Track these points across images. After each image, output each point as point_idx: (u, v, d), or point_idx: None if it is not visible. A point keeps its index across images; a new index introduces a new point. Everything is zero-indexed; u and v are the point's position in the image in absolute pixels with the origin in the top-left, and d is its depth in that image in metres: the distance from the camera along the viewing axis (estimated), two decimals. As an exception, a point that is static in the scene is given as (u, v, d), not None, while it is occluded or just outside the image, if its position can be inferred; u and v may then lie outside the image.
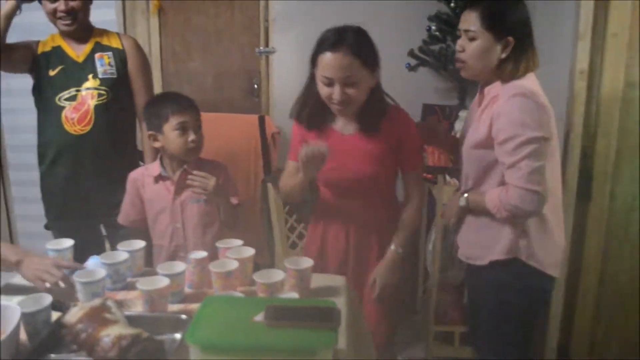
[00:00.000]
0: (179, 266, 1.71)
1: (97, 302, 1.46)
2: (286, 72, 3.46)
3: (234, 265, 1.70)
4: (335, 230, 2.11)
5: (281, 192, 2.14)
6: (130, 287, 1.75)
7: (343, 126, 2.03)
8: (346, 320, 1.51)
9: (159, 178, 2.11)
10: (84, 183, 2.41)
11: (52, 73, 2.33)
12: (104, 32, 2.42)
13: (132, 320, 1.45)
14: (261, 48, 3.45)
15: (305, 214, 3.02)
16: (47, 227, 2.56)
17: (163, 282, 1.59)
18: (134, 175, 2.17)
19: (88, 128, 2.34)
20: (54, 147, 2.39)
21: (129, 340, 1.28)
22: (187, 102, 2.08)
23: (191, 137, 2.03)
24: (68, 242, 1.86)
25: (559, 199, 1.86)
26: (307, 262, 1.71)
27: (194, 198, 2.09)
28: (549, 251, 1.83)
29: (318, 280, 1.77)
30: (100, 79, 2.36)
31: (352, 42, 1.84)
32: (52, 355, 1.33)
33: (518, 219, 1.76)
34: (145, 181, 2.13)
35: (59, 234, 2.35)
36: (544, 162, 1.68)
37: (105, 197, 2.39)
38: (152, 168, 2.15)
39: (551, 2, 2.62)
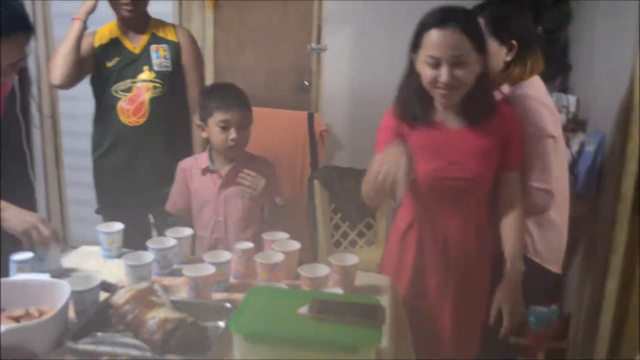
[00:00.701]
0: (225, 255, 1.72)
1: (144, 285, 1.48)
2: (337, 70, 3.46)
3: (279, 257, 1.70)
4: (432, 240, 1.87)
5: (363, 192, 1.73)
6: (177, 273, 1.77)
7: (448, 119, 1.81)
8: (390, 319, 1.50)
9: (206, 170, 2.14)
10: (137, 173, 2.46)
11: (109, 64, 2.38)
12: (160, 24, 2.46)
13: (177, 305, 1.46)
14: (313, 45, 3.45)
15: (351, 212, 3.01)
16: (97, 211, 2.62)
17: (209, 269, 1.60)
18: (183, 164, 2.20)
19: (143, 120, 2.39)
20: (109, 136, 2.45)
21: (174, 324, 1.30)
22: (234, 99, 2.06)
23: (232, 135, 2.03)
24: (118, 226, 1.90)
25: (566, 197, 1.92)
26: (353, 259, 1.70)
27: (239, 193, 2.10)
28: (552, 248, 1.89)
29: (362, 278, 1.76)
30: (156, 72, 2.40)
31: (461, 19, 1.67)
32: (99, 333, 1.35)
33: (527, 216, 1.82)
34: (194, 172, 2.16)
35: (109, 219, 2.40)
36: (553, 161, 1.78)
37: (157, 188, 2.43)
38: (201, 159, 2.17)
39: (613, 2, 2.54)
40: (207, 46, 3.59)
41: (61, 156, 3.94)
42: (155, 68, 2.39)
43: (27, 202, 3.79)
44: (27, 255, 1.65)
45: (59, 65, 2.32)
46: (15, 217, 1.63)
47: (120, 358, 1.26)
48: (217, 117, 2.03)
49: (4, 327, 1.25)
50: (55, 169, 3.93)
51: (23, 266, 1.63)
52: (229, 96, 2.07)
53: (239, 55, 3.66)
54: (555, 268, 1.90)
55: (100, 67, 2.40)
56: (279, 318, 1.27)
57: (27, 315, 1.43)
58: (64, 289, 1.42)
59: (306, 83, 3.56)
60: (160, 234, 2.09)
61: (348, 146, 3.55)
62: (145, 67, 2.39)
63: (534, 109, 1.79)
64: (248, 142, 2.11)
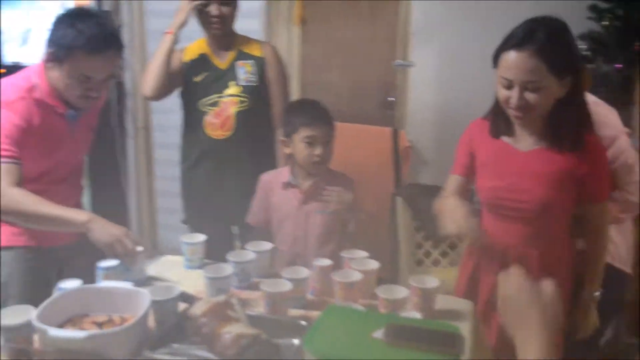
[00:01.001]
0: (303, 272, 1.71)
1: (221, 298, 1.49)
2: (423, 86, 3.40)
3: (357, 276, 1.67)
4: (488, 263, 1.86)
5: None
6: (255, 287, 1.77)
7: (521, 139, 1.79)
8: (470, 348, 1.42)
9: (287, 185, 2.14)
10: (223, 185, 2.50)
11: (196, 79, 2.45)
12: (246, 40, 2.51)
13: (252, 320, 1.46)
14: (400, 61, 3.41)
15: (434, 231, 2.93)
16: (184, 221, 2.69)
17: (286, 286, 1.59)
18: (265, 177, 2.21)
19: (229, 133, 2.44)
20: (196, 149, 2.51)
21: (249, 340, 1.29)
22: (319, 115, 2.06)
23: (317, 151, 2.02)
24: (201, 237, 1.93)
25: None
26: (433, 282, 1.64)
27: (319, 209, 2.09)
28: (629, 250, 1.98)
29: (443, 302, 1.69)
30: (242, 86, 2.44)
31: (542, 40, 1.60)
32: (175, 345, 1.36)
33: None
34: (275, 186, 2.17)
35: (194, 229, 2.46)
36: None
37: (242, 201, 2.45)
38: (283, 174, 2.18)
39: None
40: (294, 62, 3.62)
41: (152, 166, 4.10)
42: (242, 83, 2.43)
43: (118, 210, 3.99)
44: (113, 262, 1.71)
45: (151, 77, 2.42)
46: (101, 229, 1.70)
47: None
48: (303, 133, 2.03)
49: (84, 333, 1.29)
50: (147, 178, 4.10)
51: (109, 273, 1.69)
52: (314, 112, 2.07)
53: (325, 70, 3.67)
54: (630, 269, 1.96)
55: (189, 81, 2.47)
56: (353, 341, 1.23)
57: (110, 321, 1.47)
58: (145, 298, 1.45)
59: (391, 99, 3.51)
60: (244, 246, 2.12)
61: (433, 163, 3.47)
62: (232, 82, 2.44)
63: (598, 112, 1.82)
64: (332, 158, 2.10)
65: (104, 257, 2.26)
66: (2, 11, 3.40)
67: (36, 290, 1.86)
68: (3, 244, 1.94)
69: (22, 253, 1.94)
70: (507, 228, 1.81)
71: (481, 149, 1.86)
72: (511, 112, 1.71)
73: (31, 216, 1.73)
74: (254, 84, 2.45)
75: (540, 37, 1.60)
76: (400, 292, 1.58)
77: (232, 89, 2.44)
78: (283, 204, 2.14)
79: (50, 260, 2.00)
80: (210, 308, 1.43)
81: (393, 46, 3.48)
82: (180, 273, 1.88)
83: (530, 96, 1.64)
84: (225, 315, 1.40)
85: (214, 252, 1.93)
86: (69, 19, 1.79)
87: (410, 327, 1.26)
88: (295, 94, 3.64)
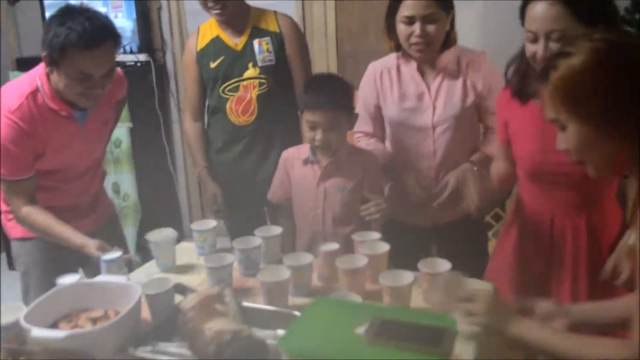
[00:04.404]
0: (306, 258, 1.62)
1: (214, 290, 1.43)
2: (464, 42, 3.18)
3: (362, 262, 1.56)
4: (533, 227, 1.76)
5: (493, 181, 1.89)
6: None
7: None
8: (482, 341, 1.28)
9: (307, 161, 2.05)
10: (250, 169, 2.44)
11: (213, 65, 2.35)
12: (260, 14, 2.37)
13: (247, 312, 1.39)
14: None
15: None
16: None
17: (283, 275, 1.51)
18: (286, 154, 2.14)
19: (252, 118, 2.35)
20: (221, 136, 2.44)
21: (229, 337, 1.22)
22: (322, 100, 1.90)
23: (318, 136, 1.90)
24: (210, 224, 1.88)
25: None
26: (445, 265, 1.51)
27: (339, 186, 1.98)
28: None
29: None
30: (260, 67, 2.34)
31: None
32: (162, 343, 1.31)
33: None
34: (295, 162, 2.09)
35: (227, 213, 2.43)
36: None
37: (269, 183, 2.39)
38: (304, 150, 2.09)
39: None
40: (330, 32, 3.48)
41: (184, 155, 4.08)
42: (260, 64, 2.33)
43: (167, 195, 4.03)
44: (115, 254, 1.68)
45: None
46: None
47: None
48: (305, 116, 1.93)
49: (64, 333, 1.26)
50: (194, 161, 4.10)
51: (111, 265, 1.66)
52: (318, 96, 1.93)
53: (362, 39, 3.51)
54: None
55: (206, 68, 2.38)
56: (334, 337, 1.14)
57: (105, 316, 1.44)
58: (135, 291, 1.41)
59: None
60: (273, 223, 2.07)
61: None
62: (250, 64, 2.33)
63: None
64: (342, 144, 1.97)
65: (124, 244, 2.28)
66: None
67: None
68: (22, 234, 1.97)
69: (41, 243, 1.95)
70: (551, 196, 1.71)
71: (512, 117, 1.76)
72: (539, 69, 1.57)
73: (41, 232, 1.88)
74: (272, 64, 2.34)
75: None
76: (406, 277, 1.46)
77: (251, 71, 2.34)
78: (302, 181, 2.06)
79: (71, 249, 2.01)
80: (200, 301, 1.38)
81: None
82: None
83: (555, 47, 1.52)
84: (211, 310, 1.34)
85: (248, 234, 1.86)
86: (59, 19, 1.73)
87: (397, 322, 1.15)
88: (332, 65, 3.52)
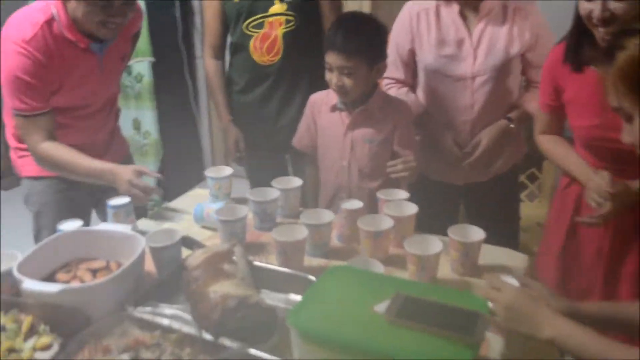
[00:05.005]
0: (326, 216, 1.49)
1: (224, 247, 1.31)
2: None
3: (386, 224, 1.42)
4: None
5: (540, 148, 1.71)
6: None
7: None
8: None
9: (335, 107, 1.89)
10: (273, 113, 2.30)
11: None
12: None
13: (258, 273, 1.28)
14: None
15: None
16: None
17: (300, 234, 1.38)
18: (314, 98, 1.98)
19: (277, 58, 2.19)
20: (244, 76, 2.29)
21: (234, 303, 1.11)
22: (344, 42, 1.72)
23: (334, 79, 1.74)
24: (226, 171, 1.77)
25: None
26: (478, 234, 1.36)
27: (367, 137, 1.83)
28: None
29: (490, 255, 1.42)
30: (287, 3, 2.15)
31: None
32: (162, 305, 1.21)
33: None
34: (323, 107, 1.93)
35: (247, 158, 2.31)
36: None
37: (294, 128, 2.25)
38: (333, 95, 1.91)
39: None
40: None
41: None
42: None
43: (189, 132, 3.92)
44: (123, 200, 1.57)
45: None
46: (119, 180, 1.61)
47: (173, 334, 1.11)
48: (326, 57, 1.75)
49: (58, 287, 1.16)
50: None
51: (119, 212, 1.56)
52: (337, 36, 1.75)
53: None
54: None
55: (229, 3, 2.21)
56: (349, 315, 1.01)
57: (106, 268, 1.35)
58: (141, 244, 1.31)
59: None
60: (296, 174, 1.95)
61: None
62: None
63: None
64: (366, 90, 1.80)
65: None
66: None
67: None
68: (36, 173, 1.87)
69: (55, 182, 1.85)
70: (607, 166, 1.52)
71: (567, 84, 1.57)
72: (597, 32, 1.42)
73: (64, 168, 1.72)
74: (301, 0, 2.15)
75: None
76: (434, 245, 1.32)
77: (277, 7, 2.16)
78: (329, 128, 1.91)
79: (85, 191, 1.91)
80: (207, 259, 1.26)
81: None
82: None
83: (615, 5, 1.35)
84: (217, 270, 1.22)
85: (268, 182, 1.76)
86: None
87: (423, 301, 1.01)
88: (366, 6, 3.30)
